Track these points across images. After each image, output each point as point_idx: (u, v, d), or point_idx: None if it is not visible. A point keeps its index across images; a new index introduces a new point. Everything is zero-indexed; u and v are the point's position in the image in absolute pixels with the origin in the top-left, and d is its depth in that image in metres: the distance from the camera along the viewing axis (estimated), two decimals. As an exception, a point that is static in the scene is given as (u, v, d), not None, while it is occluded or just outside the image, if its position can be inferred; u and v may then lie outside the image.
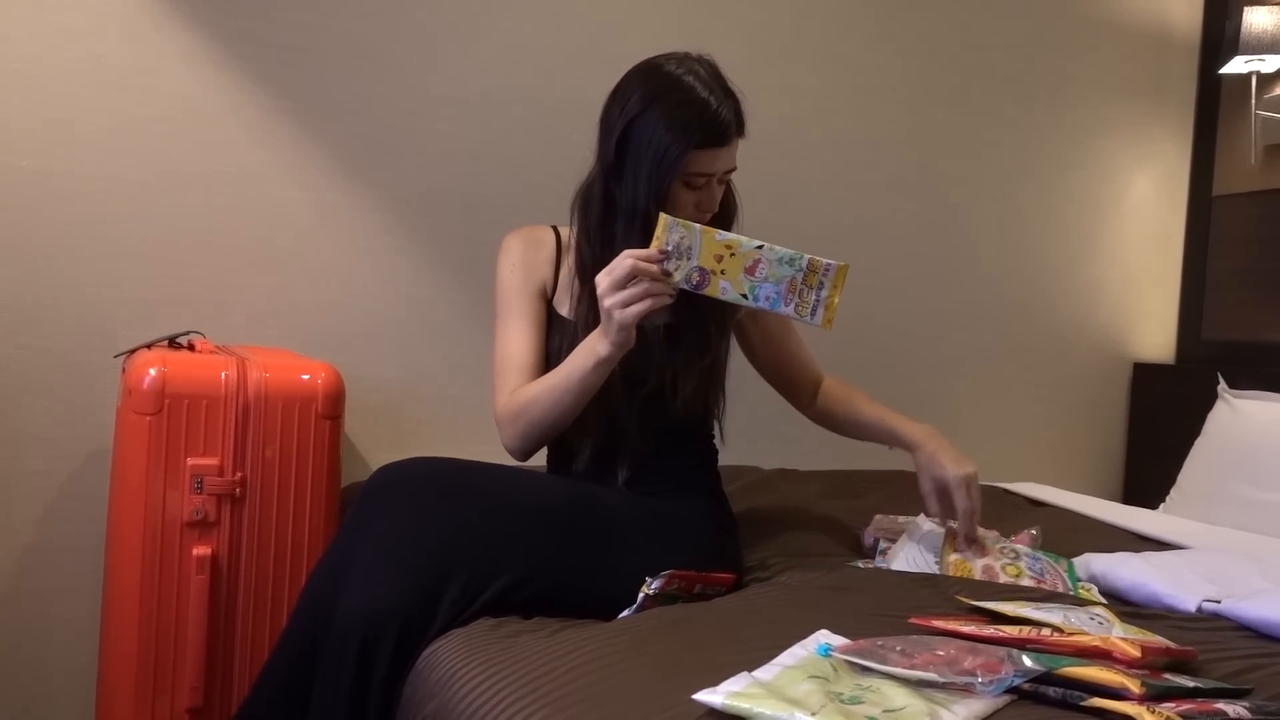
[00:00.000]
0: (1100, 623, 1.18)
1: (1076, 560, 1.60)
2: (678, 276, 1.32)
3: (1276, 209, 2.67)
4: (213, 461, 1.55)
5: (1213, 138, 2.89)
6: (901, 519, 1.71)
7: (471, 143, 2.18)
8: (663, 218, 1.31)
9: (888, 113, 2.59)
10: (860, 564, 1.60)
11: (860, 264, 1.35)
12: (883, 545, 1.64)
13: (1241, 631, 1.32)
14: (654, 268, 1.30)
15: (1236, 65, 2.59)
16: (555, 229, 1.62)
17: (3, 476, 1.86)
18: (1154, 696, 0.92)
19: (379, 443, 2.08)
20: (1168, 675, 1.02)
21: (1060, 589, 1.46)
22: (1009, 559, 1.51)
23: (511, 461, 1.54)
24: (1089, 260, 2.86)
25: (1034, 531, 1.68)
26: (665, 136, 1.40)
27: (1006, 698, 0.94)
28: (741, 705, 0.89)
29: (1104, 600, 1.46)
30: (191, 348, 1.70)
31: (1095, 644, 1.03)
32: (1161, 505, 2.40)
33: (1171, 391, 2.80)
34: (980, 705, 0.92)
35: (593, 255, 1.49)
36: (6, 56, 1.84)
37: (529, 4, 2.22)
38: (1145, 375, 2.90)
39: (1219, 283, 2.85)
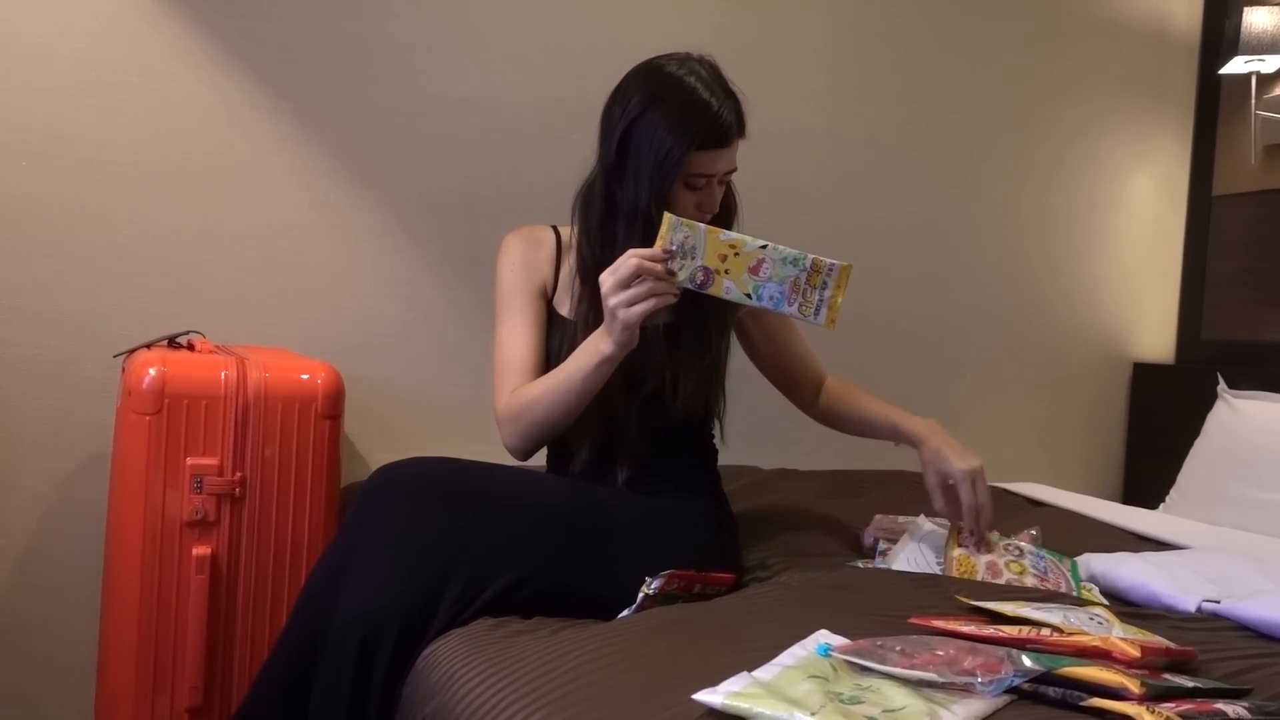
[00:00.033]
0: (1100, 623, 1.18)
1: (1076, 560, 1.59)
2: (682, 276, 1.32)
3: (1276, 209, 2.67)
4: (212, 461, 1.55)
5: (1212, 138, 2.89)
6: (901, 519, 1.71)
7: (471, 143, 2.18)
8: (667, 217, 1.32)
9: (888, 113, 2.59)
10: (860, 564, 1.60)
11: (860, 264, 1.35)
12: (882, 545, 1.64)
13: (1241, 631, 1.32)
14: (658, 267, 1.30)
15: (1236, 65, 2.59)
16: (555, 229, 1.62)
17: (3, 476, 1.86)
18: (1154, 696, 0.92)
19: (379, 443, 2.08)
20: (1167, 675, 1.02)
21: (1064, 588, 1.46)
22: (1013, 556, 1.51)
23: (512, 461, 1.54)
24: (1089, 260, 2.86)
25: (1034, 531, 1.68)
26: (667, 138, 1.41)
27: (1006, 698, 0.94)
28: (741, 705, 0.89)
29: (1104, 600, 1.46)
30: (191, 347, 1.70)
31: (1095, 644, 1.03)
32: (1161, 505, 2.40)
33: (1171, 391, 2.80)
34: (980, 705, 0.92)
35: (594, 256, 1.49)
36: (6, 56, 1.84)
37: (529, 4, 2.22)
38: (1145, 375, 2.90)
39: (1219, 282, 2.85)
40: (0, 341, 1.85)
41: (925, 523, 1.62)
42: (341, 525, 1.38)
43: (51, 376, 1.88)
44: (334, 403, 1.63)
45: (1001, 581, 1.46)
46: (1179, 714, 0.89)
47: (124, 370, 1.66)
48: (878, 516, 1.75)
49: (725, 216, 1.55)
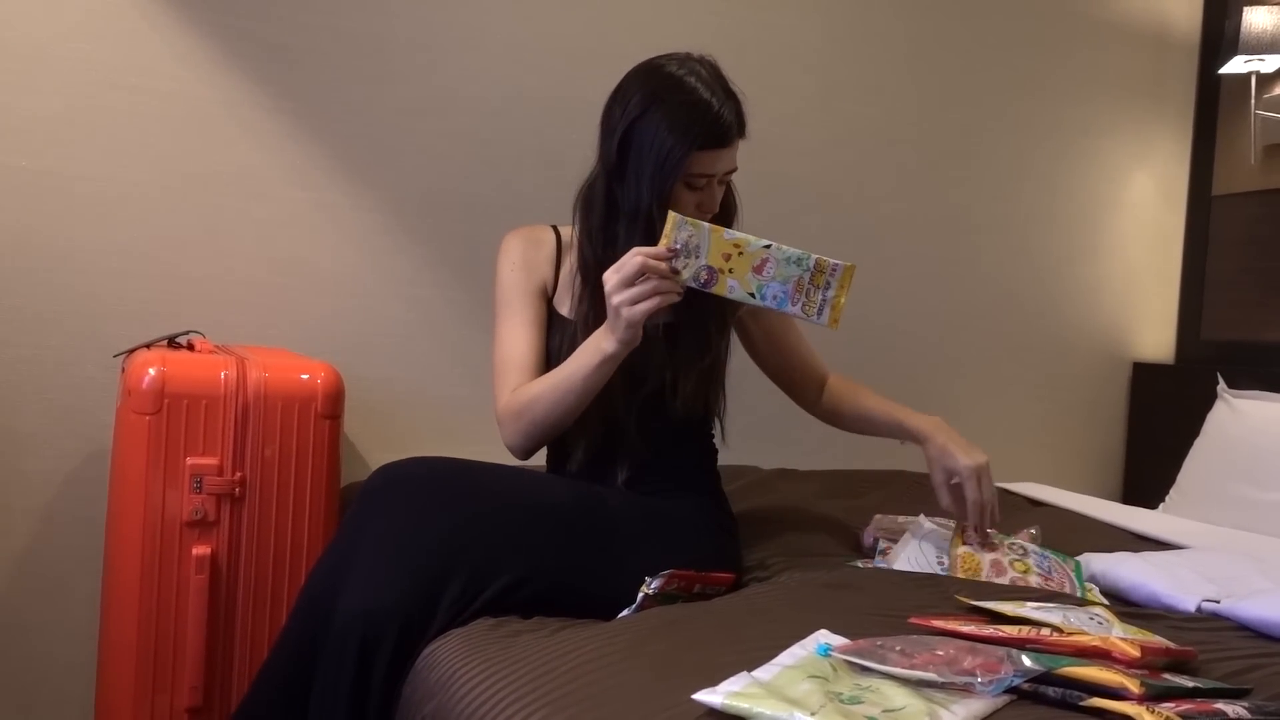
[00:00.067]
0: (1100, 623, 1.18)
1: (1075, 559, 1.59)
2: (686, 274, 1.32)
3: (1276, 209, 2.67)
4: (212, 461, 1.55)
5: (1212, 137, 2.89)
6: (901, 519, 1.71)
7: (471, 143, 2.18)
8: (672, 216, 1.32)
9: (888, 113, 2.59)
10: (860, 564, 1.60)
11: (860, 264, 1.35)
12: (882, 545, 1.64)
13: (1241, 631, 1.32)
14: (663, 265, 1.31)
15: (1236, 65, 2.59)
16: (555, 229, 1.62)
17: (2, 476, 1.86)
18: (1153, 696, 0.92)
19: (379, 443, 2.08)
20: (1167, 675, 1.02)
21: (1068, 588, 1.46)
22: (1017, 555, 1.51)
23: (512, 461, 1.54)
24: (1089, 260, 2.86)
25: (1033, 531, 1.68)
26: (667, 138, 1.41)
27: (1006, 697, 0.94)
28: (741, 705, 0.89)
29: (1104, 600, 1.46)
30: (191, 347, 1.70)
31: (1095, 644, 1.03)
32: (1161, 505, 2.40)
33: (1171, 391, 2.80)
34: (980, 705, 0.92)
35: (595, 256, 1.49)
36: (5, 56, 1.84)
37: (529, 4, 2.22)
38: (1145, 375, 2.90)
39: (1219, 282, 2.85)
40: (0, 341, 1.85)
41: (926, 522, 1.62)
42: (341, 525, 1.38)
43: (51, 376, 1.88)
44: (334, 403, 1.63)
45: (1005, 580, 1.46)
46: (1179, 714, 0.89)
47: (124, 370, 1.66)
48: (878, 516, 1.75)
49: (725, 216, 1.55)
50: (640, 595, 1.33)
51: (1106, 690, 0.92)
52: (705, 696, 0.91)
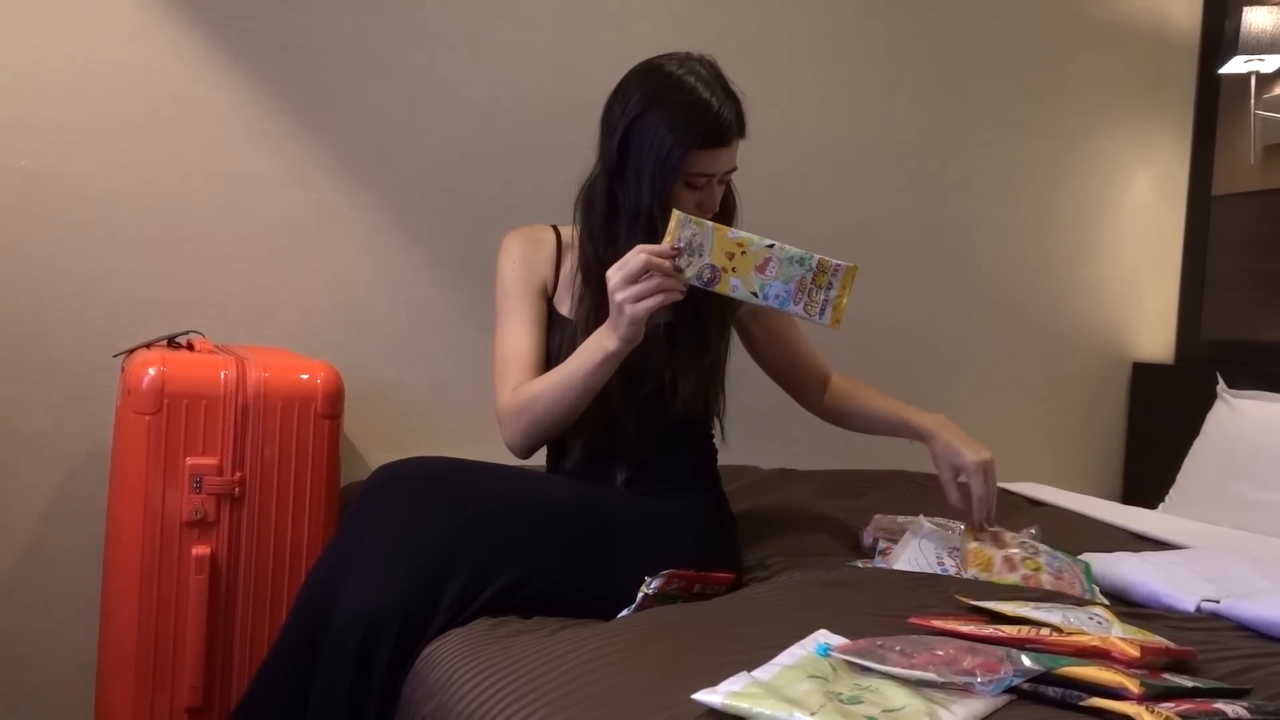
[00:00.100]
0: (1099, 622, 1.18)
1: (1077, 558, 1.59)
2: (689, 273, 1.32)
3: (1276, 209, 2.67)
4: (212, 461, 1.55)
5: (1212, 138, 2.89)
6: (901, 519, 1.71)
7: (471, 143, 2.18)
8: (676, 214, 1.32)
9: (888, 113, 2.59)
10: (859, 564, 1.60)
11: (861, 264, 1.35)
12: (882, 545, 1.64)
13: (1240, 631, 1.32)
14: (667, 263, 1.31)
15: (1236, 65, 2.59)
16: (555, 228, 1.62)
17: (2, 476, 1.86)
18: (1153, 696, 0.92)
19: (378, 442, 2.08)
20: (1167, 675, 1.02)
21: (1077, 589, 1.47)
22: (1028, 553, 1.52)
23: (512, 460, 1.54)
24: (1089, 260, 2.86)
25: (1033, 530, 1.68)
26: (667, 137, 1.41)
27: (1005, 697, 0.94)
28: (741, 705, 0.89)
29: (1104, 600, 1.46)
30: (191, 347, 1.70)
31: (1094, 644, 1.03)
32: (1161, 505, 2.40)
33: (1170, 391, 2.80)
34: (979, 705, 0.92)
35: (597, 255, 1.49)
36: (5, 56, 1.84)
37: (530, 5, 2.22)
38: (1144, 375, 2.90)
39: (1218, 283, 2.85)
40: (0, 341, 1.85)
41: (925, 522, 1.62)
42: (341, 525, 1.38)
43: (51, 376, 1.88)
44: (333, 402, 1.63)
45: (1017, 576, 1.46)
46: (1178, 714, 0.89)
47: (123, 370, 1.66)
48: (877, 516, 1.75)
49: (725, 216, 1.55)
50: (640, 595, 1.33)
51: (1106, 690, 0.92)
52: (705, 696, 0.91)
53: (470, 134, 2.17)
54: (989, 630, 1.08)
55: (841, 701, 0.90)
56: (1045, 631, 1.08)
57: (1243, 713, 0.93)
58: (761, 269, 1.32)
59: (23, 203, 1.86)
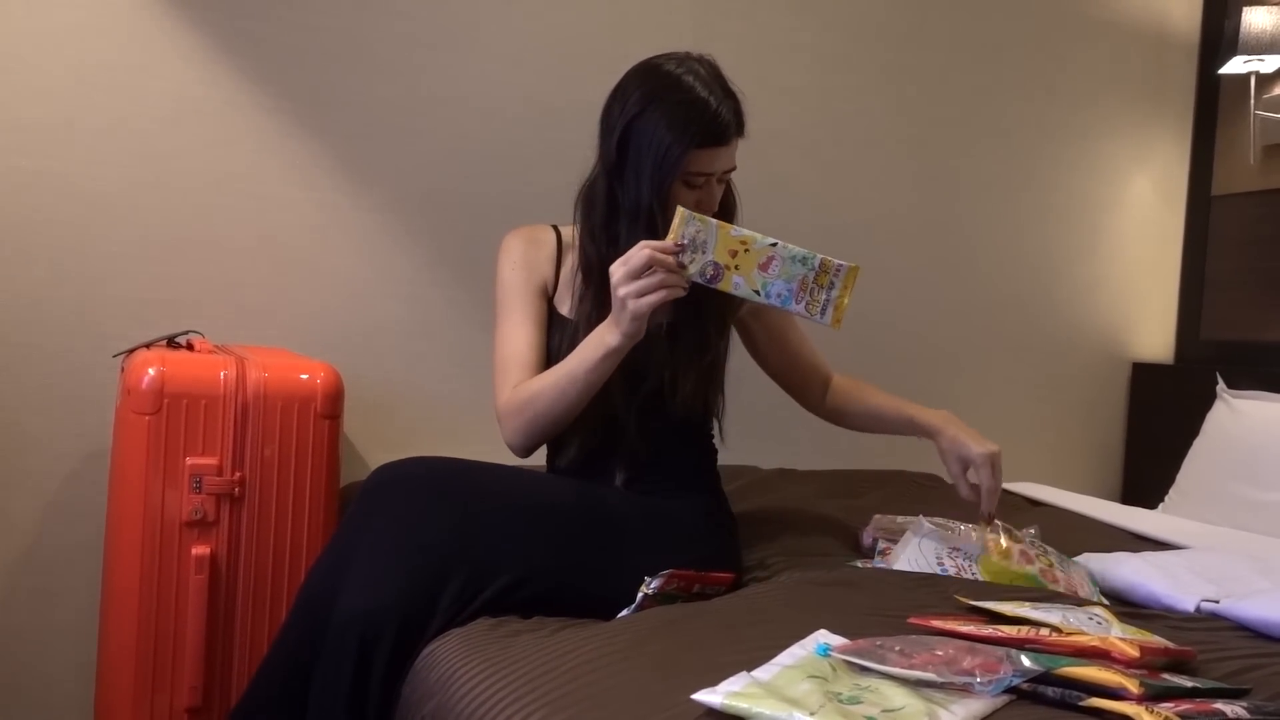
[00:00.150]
0: (1099, 623, 1.18)
1: (1075, 560, 1.60)
2: (692, 270, 1.33)
3: (1275, 209, 2.67)
4: (212, 461, 1.55)
5: (1212, 138, 2.89)
6: (901, 519, 1.71)
7: (471, 143, 2.18)
8: (680, 211, 1.32)
9: (888, 113, 2.59)
10: (859, 564, 1.60)
11: (861, 264, 1.36)
12: (882, 545, 1.64)
13: (1240, 631, 1.33)
14: (670, 259, 1.31)
15: (1235, 65, 2.59)
16: (555, 228, 1.62)
17: (2, 476, 1.87)
18: (1152, 696, 0.92)
19: (378, 442, 2.08)
20: (1166, 675, 1.02)
21: (1084, 591, 1.48)
22: (1039, 551, 1.53)
23: (512, 459, 1.54)
24: (1088, 260, 2.86)
25: (1032, 531, 1.68)
26: (666, 136, 1.41)
27: (1005, 698, 0.94)
28: (740, 705, 0.89)
29: (1104, 600, 1.47)
30: (190, 347, 1.70)
31: (1094, 644, 1.03)
32: (1160, 505, 2.40)
33: (1170, 391, 2.80)
34: (979, 705, 0.92)
35: (597, 255, 1.49)
36: (6, 56, 1.84)
37: (529, 4, 2.22)
38: (1144, 375, 2.90)
39: (1218, 282, 2.85)
40: (0, 340, 1.85)
41: (925, 522, 1.62)
42: (340, 525, 1.38)
43: (51, 376, 1.88)
44: (333, 402, 1.63)
45: (1034, 569, 1.48)
46: (1178, 714, 0.89)
47: (123, 370, 1.66)
48: (877, 516, 1.75)
49: (725, 215, 1.55)
50: (640, 595, 1.33)
51: (1105, 690, 0.93)
52: (705, 696, 0.92)
53: (470, 134, 2.17)
54: (988, 630, 1.08)
55: (841, 702, 0.90)
56: (1045, 632, 1.08)
57: (1242, 713, 0.93)
58: (764, 267, 1.33)
59: (22, 203, 1.86)
